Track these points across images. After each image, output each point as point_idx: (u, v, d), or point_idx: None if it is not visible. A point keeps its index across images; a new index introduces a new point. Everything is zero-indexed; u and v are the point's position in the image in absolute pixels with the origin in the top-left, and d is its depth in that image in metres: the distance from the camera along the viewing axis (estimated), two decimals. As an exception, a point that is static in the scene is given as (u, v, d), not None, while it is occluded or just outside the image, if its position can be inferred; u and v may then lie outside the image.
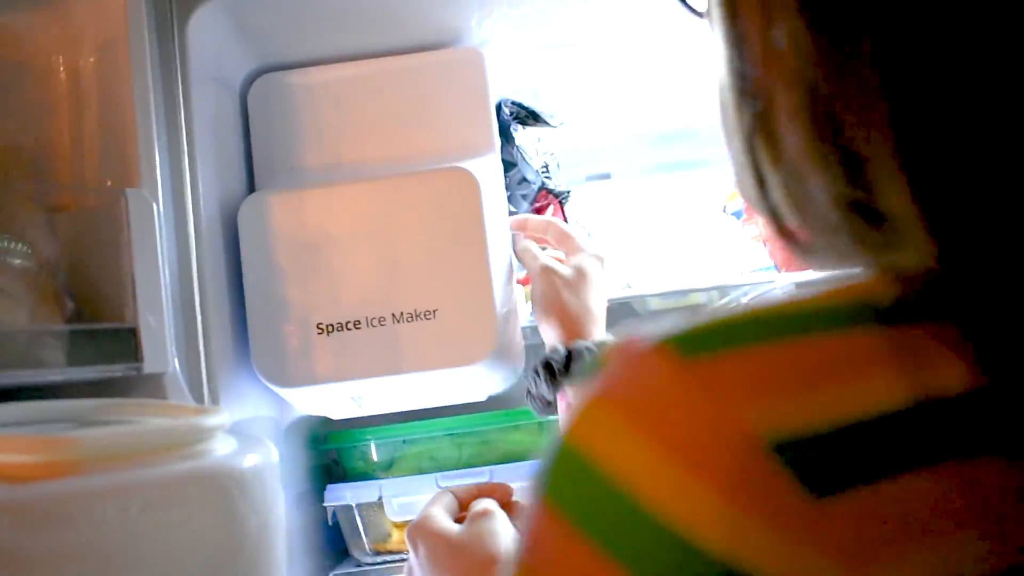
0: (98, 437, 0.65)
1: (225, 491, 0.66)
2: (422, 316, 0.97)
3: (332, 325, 0.97)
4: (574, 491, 0.26)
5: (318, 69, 1.08)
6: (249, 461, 0.69)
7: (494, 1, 1.07)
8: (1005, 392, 0.22)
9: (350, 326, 0.97)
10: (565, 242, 1.01)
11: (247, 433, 0.81)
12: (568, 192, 1.33)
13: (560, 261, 0.99)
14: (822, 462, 0.23)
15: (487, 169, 1.03)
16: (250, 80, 1.09)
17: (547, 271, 0.96)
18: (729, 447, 0.24)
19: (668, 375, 0.26)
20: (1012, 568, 0.22)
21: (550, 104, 1.33)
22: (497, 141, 1.07)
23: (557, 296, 0.94)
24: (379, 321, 0.97)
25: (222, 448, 0.69)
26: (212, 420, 0.69)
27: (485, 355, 0.96)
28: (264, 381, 0.98)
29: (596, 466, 0.25)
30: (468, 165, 1.00)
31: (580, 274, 0.96)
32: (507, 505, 0.81)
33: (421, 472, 1.13)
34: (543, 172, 1.33)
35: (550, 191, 1.33)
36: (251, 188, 1.07)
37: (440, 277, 0.97)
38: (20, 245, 0.76)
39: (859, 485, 0.23)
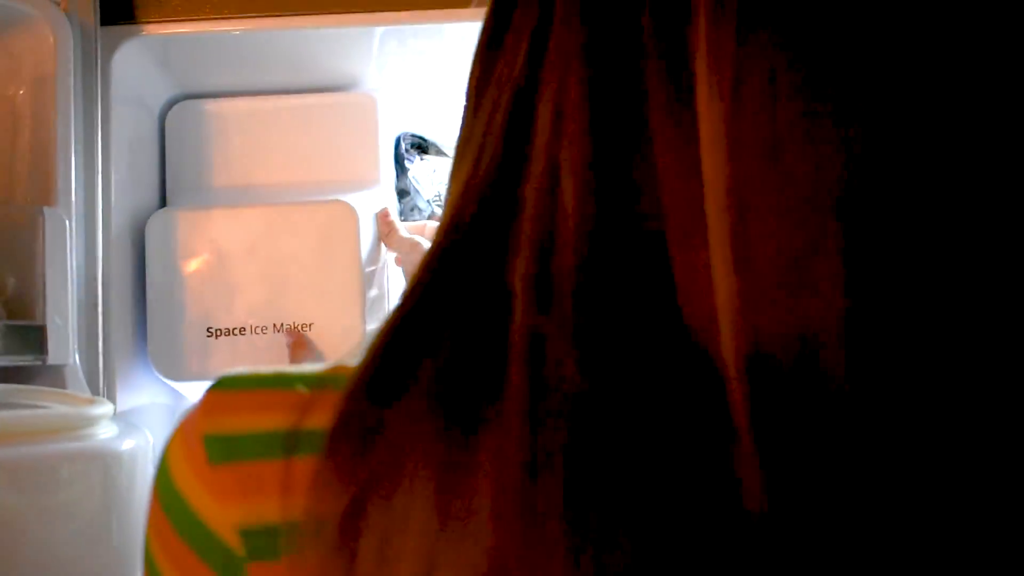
0: (3, 417, 0.79)
1: (105, 469, 0.82)
2: (299, 327, 1.12)
3: (221, 330, 1.12)
4: (159, 482, 0.42)
5: (230, 100, 1.23)
6: (127, 445, 0.85)
7: (389, 53, 1.22)
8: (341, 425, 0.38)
9: (236, 332, 1.12)
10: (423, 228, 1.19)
11: (129, 422, 0.94)
12: (456, 219, 1.48)
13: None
14: (221, 448, 0.40)
15: (370, 201, 1.18)
16: (170, 105, 1.23)
17: (415, 245, 1.13)
18: (194, 441, 0.41)
19: (201, 400, 0.42)
20: None
21: (449, 137, 1.48)
22: (384, 176, 1.22)
23: None
24: (262, 329, 1.12)
25: (104, 433, 0.84)
26: (98, 410, 0.84)
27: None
28: (158, 374, 1.12)
29: (163, 460, 0.43)
30: (353, 197, 1.15)
31: None
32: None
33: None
34: (435, 200, 1.49)
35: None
36: (164, 203, 1.21)
37: (318, 294, 1.12)
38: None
39: (234, 461, 0.40)
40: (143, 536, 0.43)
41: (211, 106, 1.23)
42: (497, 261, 0.36)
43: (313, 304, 1.12)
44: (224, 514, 0.40)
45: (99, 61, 1.07)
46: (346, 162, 1.20)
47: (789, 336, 0.33)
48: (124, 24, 1.09)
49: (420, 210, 1.44)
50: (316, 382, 0.41)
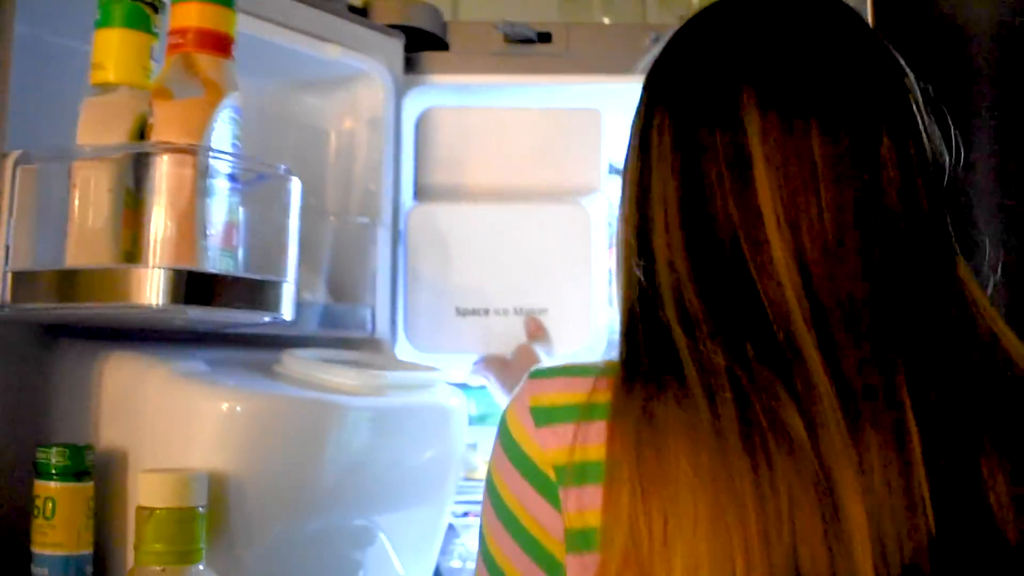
0: (392, 374, 1.05)
1: (448, 417, 1.09)
2: (536, 311, 1.30)
3: (467, 309, 1.30)
4: (503, 433, 0.67)
5: (471, 110, 1.40)
6: (455, 402, 1.10)
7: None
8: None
9: (481, 312, 1.30)
10: None
11: (450, 384, 1.15)
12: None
13: None
14: (541, 416, 0.65)
15: (594, 205, 1.35)
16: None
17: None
18: (523, 411, 0.65)
19: (526, 383, 0.67)
20: None
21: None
22: (604, 183, 1.38)
23: None
24: (503, 312, 1.30)
25: (443, 392, 1.10)
26: (439, 374, 1.11)
27: (579, 346, 1.29)
28: (411, 347, 1.30)
29: (504, 421, 0.67)
30: (581, 200, 1.33)
31: None
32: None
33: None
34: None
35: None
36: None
37: (553, 284, 1.30)
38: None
39: (550, 424, 0.64)
40: (487, 467, 0.67)
41: (454, 113, 1.39)
42: (656, 310, 0.64)
43: (548, 292, 1.30)
44: (544, 456, 0.63)
45: (401, 104, 1.32)
46: (572, 169, 1.36)
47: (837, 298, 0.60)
48: (414, 74, 1.33)
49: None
50: (597, 371, 0.65)
